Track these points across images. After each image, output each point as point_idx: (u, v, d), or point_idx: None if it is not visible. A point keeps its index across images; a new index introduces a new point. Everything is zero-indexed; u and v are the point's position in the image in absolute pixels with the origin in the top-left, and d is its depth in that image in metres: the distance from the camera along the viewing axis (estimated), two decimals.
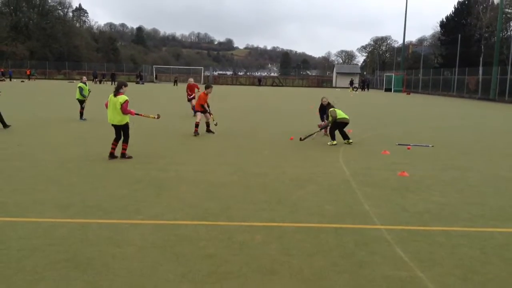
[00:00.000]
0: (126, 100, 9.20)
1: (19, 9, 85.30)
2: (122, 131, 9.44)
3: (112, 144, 9.53)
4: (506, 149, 12.28)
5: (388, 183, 7.90)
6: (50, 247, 4.66)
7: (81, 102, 16.65)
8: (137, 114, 9.76)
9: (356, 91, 59.74)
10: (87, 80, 17.79)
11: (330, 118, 12.26)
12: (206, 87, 13.37)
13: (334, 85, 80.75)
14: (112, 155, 9.45)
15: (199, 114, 13.41)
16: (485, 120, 21.99)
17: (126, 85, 9.47)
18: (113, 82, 56.97)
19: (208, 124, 13.63)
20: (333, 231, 5.39)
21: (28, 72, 63.73)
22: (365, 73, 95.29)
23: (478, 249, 4.95)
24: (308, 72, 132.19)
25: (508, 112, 27.98)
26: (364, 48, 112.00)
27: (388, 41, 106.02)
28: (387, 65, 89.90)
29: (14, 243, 4.72)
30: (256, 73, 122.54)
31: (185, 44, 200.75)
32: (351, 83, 65.07)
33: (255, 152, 10.72)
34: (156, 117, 10.31)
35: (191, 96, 19.21)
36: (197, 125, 13.26)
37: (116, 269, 4.19)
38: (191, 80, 20.05)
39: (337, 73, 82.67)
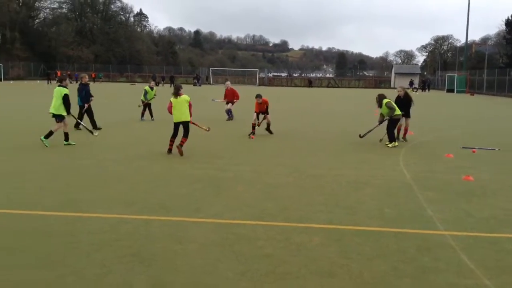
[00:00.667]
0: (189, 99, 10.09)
1: (84, 14, 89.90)
2: (184, 127, 10.00)
3: (170, 140, 10.20)
4: None
5: (452, 188, 7.62)
6: (116, 242, 4.88)
7: (144, 104, 17.39)
8: (193, 123, 10.31)
9: (416, 91, 57.88)
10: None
11: (387, 111, 11.86)
12: (256, 97, 13.52)
13: (392, 85, 78.61)
14: (170, 151, 10.12)
15: (254, 115, 13.68)
16: None
17: (182, 87, 10.25)
18: (171, 84, 58.64)
19: (268, 124, 13.81)
20: (393, 236, 5.27)
21: (93, 75, 66.72)
22: (425, 73, 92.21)
23: None
24: (365, 72, 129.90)
25: None
26: (424, 47, 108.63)
27: (450, 40, 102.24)
28: (449, 65, 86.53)
29: (84, 238, 4.99)
30: (311, 74, 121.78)
31: (240, 47, 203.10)
32: (411, 83, 63.11)
33: (310, 154, 10.68)
34: (207, 129, 11.09)
35: (228, 101, 18.16)
36: (253, 126, 13.49)
37: (179, 265, 4.33)
38: (228, 83, 18.81)
39: (395, 73, 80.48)
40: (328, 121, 18.60)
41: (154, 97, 17.63)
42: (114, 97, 32.80)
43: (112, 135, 13.21)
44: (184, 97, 9.97)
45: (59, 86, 10.96)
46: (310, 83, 75.32)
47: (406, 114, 12.67)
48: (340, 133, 14.47)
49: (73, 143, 11.02)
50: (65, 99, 10.71)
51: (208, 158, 9.80)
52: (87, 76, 14.87)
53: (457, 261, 4.57)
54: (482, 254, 4.76)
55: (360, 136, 12.50)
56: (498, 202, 6.76)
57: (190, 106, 10.02)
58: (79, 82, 14.72)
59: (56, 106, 10.75)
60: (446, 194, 7.17)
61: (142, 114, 17.33)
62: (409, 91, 55.20)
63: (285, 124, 16.31)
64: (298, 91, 55.90)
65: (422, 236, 5.27)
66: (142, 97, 17.48)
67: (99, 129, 13.88)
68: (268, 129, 13.87)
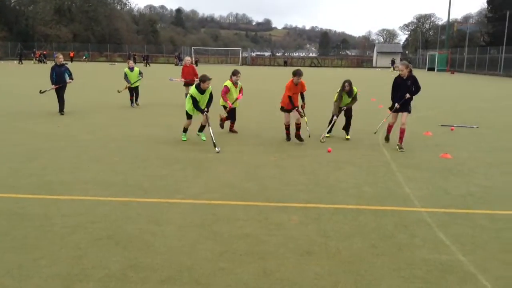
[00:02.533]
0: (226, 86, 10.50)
1: None
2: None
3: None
4: None
5: (430, 165, 7.70)
6: (92, 224, 4.81)
7: (130, 88, 15.18)
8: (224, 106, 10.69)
9: (396, 70, 58.12)
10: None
11: (349, 101, 10.18)
12: (294, 74, 9.42)
13: (374, 65, 78.93)
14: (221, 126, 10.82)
15: (286, 115, 9.81)
16: None
17: (236, 74, 10.59)
18: (147, 64, 57.53)
19: (298, 127, 9.53)
20: (372, 213, 5.31)
21: (71, 55, 64.83)
22: (407, 52, 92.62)
23: None
24: (348, 52, 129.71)
25: None
26: (406, 26, 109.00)
27: (432, 19, 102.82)
28: (431, 44, 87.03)
29: (58, 220, 4.89)
30: (294, 54, 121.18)
31: (223, 25, 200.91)
32: (393, 62, 63.31)
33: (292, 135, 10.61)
34: (224, 117, 10.72)
35: (186, 80, 14.98)
36: (287, 128, 9.89)
37: (156, 247, 4.29)
38: (188, 59, 15.61)
39: (377, 52, 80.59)
40: (312, 102, 18.51)
41: (139, 79, 15.21)
42: (93, 78, 32.17)
43: (89, 116, 12.95)
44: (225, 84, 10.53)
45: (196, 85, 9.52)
46: (285, 63, 75.04)
47: (405, 107, 8.99)
48: (322, 114, 14.44)
49: (203, 139, 9.63)
50: (190, 100, 9.29)
51: (188, 139, 9.70)
52: (61, 56, 13.44)
53: (433, 237, 4.63)
54: (458, 230, 4.82)
55: (321, 141, 9.67)
56: (474, 180, 6.85)
57: (223, 92, 10.48)
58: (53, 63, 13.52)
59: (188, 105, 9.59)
60: (423, 172, 7.24)
61: (131, 100, 15.30)
62: (390, 70, 52.68)
63: (267, 105, 16.21)
64: (281, 70, 55.60)
65: (400, 214, 5.32)
66: (125, 82, 15.24)
67: (62, 114, 12.89)
68: (298, 135, 9.56)
